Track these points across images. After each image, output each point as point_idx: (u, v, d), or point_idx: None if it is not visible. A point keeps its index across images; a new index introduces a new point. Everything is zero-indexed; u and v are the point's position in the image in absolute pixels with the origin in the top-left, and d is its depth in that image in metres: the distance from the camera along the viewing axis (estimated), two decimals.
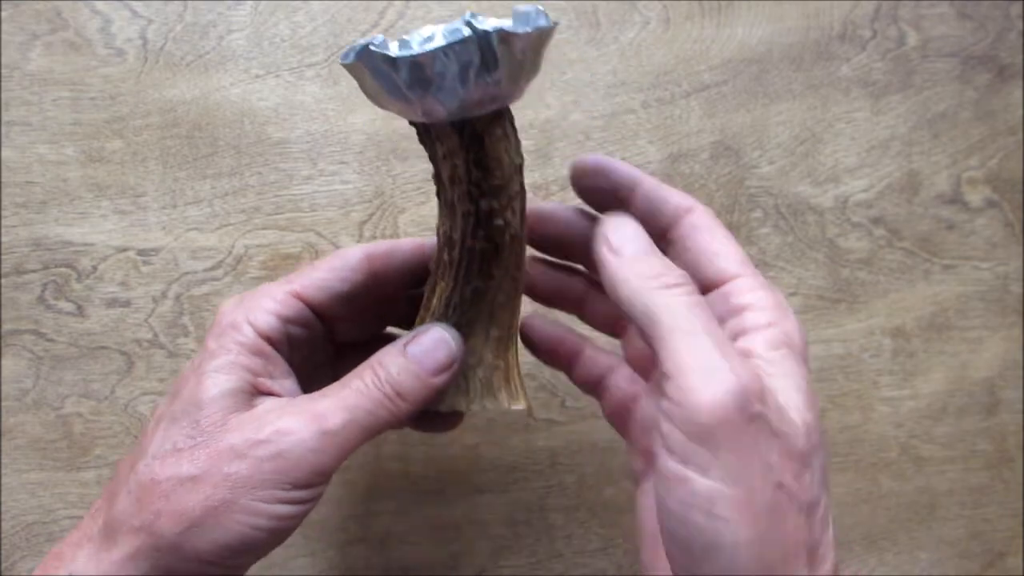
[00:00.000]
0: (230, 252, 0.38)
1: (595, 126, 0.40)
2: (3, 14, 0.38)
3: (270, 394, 0.26)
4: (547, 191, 0.39)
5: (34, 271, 0.38)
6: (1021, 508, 0.41)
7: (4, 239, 0.38)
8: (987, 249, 0.42)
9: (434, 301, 0.28)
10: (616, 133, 0.40)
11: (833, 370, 0.41)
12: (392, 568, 0.39)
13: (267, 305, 0.27)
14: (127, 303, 0.38)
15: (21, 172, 0.38)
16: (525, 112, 0.39)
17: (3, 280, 0.37)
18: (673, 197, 0.27)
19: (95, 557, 0.24)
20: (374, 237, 0.38)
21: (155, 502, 0.24)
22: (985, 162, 0.42)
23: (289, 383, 0.28)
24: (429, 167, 0.27)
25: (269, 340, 0.27)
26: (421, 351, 0.27)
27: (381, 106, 0.25)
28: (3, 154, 0.38)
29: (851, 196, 0.41)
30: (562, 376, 0.39)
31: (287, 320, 0.28)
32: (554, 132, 0.39)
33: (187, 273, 0.38)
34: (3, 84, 0.38)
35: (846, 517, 0.40)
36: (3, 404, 0.37)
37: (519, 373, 0.29)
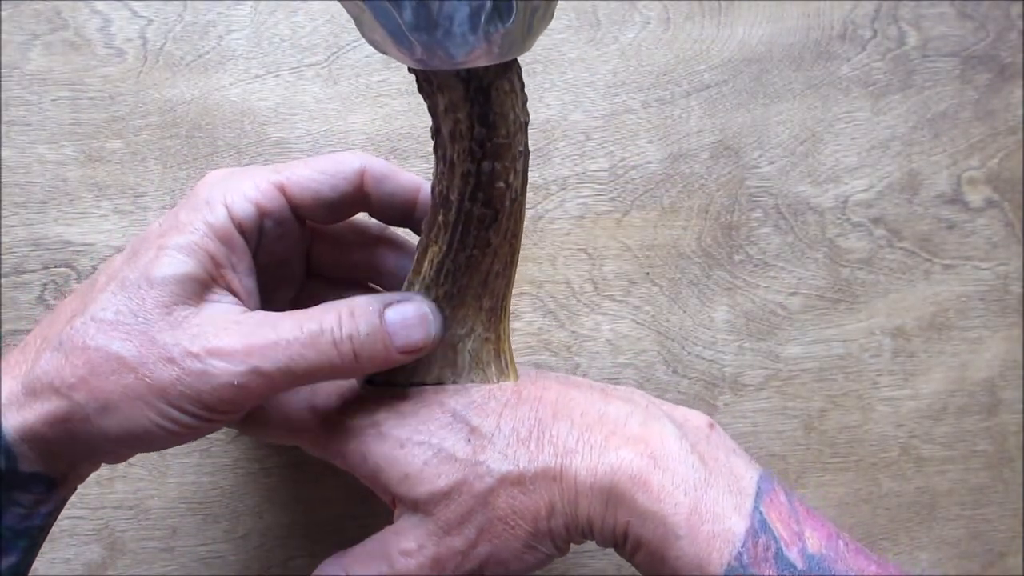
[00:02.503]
0: None
1: (595, 126, 0.40)
2: (3, 14, 0.38)
3: (227, 289, 0.26)
4: (547, 191, 0.39)
5: (34, 271, 0.38)
6: (1021, 508, 0.41)
7: (4, 239, 0.38)
8: (987, 249, 0.42)
9: (425, 264, 0.27)
10: (616, 133, 0.40)
11: (833, 370, 0.41)
12: None
13: (248, 190, 0.26)
14: None
15: (21, 172, 0.38)
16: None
17: (3, 280, 0.37)
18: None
19: (18, 407, 0.24)
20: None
21: (79, 368, 0.24)
22: (985, 162, 0.42)
23: (249, 282, 0.26)
24: (429, 167, 0.27)
25: (241, 228, 0.26)
26: (399, 321, 0.25)
27: (379, 49, 0.23)
28: (3, 154, 0.38)
29: (851, 196, 0.41)
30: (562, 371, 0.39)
31: (265, 212, 0.26)
32: (554, 132, 0.39)
33: None
34: (3, 84, 0.38)
35: (846, 517, 0.40)
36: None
37: (510, 347, 0.28)
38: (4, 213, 0.38)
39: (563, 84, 0.40)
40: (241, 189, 0.26)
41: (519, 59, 0.24)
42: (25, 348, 0.25)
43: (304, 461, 0.38)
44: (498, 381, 0.28)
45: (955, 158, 0.42)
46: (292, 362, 0.24)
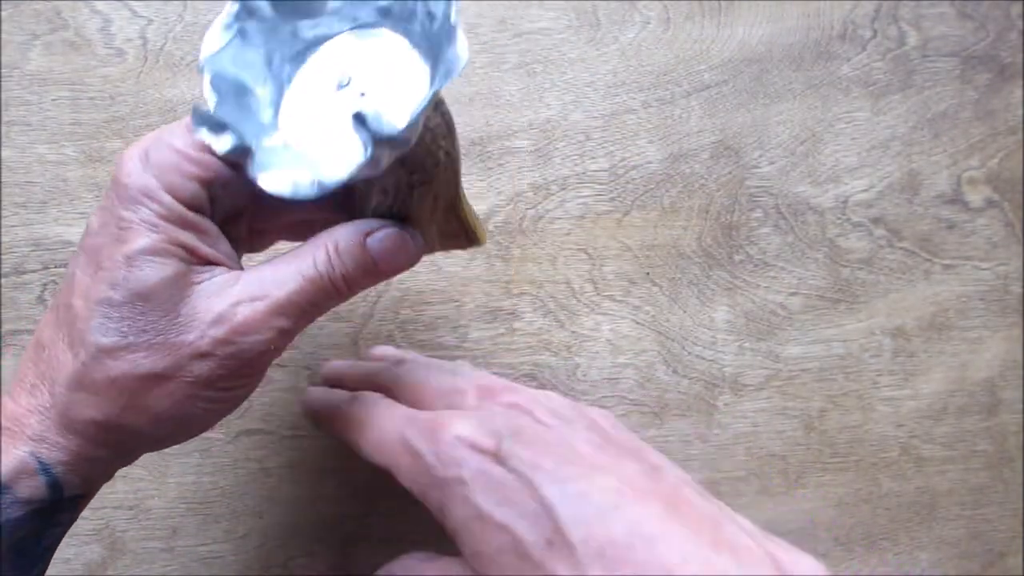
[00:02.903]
0: None
1: (595, 126, 0.40)
2: (3, 14, 0.38)
3: (209, 262, 0.26)
4: (547, 191, 0.39)
5: (34, 271, 0.38)
6: (1021, 508, 0.41)
7: (4, 239, 0.38)
8: (987, 249, 0.42)
9: (369, 211, 0.27)
10: (616, 133, 0.40)
11: (833, 370, 0.41)
12: None
13: (184, 168, 0.25)
14: None
15: (21, 172, 0.38)
16: (525, 112, 0.39)
17: (3, 280, 0.37)
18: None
19: (58, 446, 0.25)
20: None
21: (117, 400, 0.24)
22: (985, 162, 0.42)
23: (223, 245, 0.26)
24: None
25: (193, 207, 0.25)
26: (381, 248, 0.26)
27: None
28: (3, 154, 0.38)
29: (851, 196, 0.41)
30: (561, 376, 0.39)
31: (208, 182, 0.25)
32: (554, 132, 0.39)
33: None
34: (3, 84, 0.38)
35: (846, 517, 0.40)
36: None
37: (472, 214, 0.29)
38: (4, 213, 0.38)
39: (563, 84, 0.40)
40: (177, 169, 0.25)
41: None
42: (34, 390, 0.25)
43: (304, 461, 0.38)
44: (467, 248, 0.30)
45: (955, 158, 0.42)
46: (304, 310, 0.26)
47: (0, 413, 0.25)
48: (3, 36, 0.38)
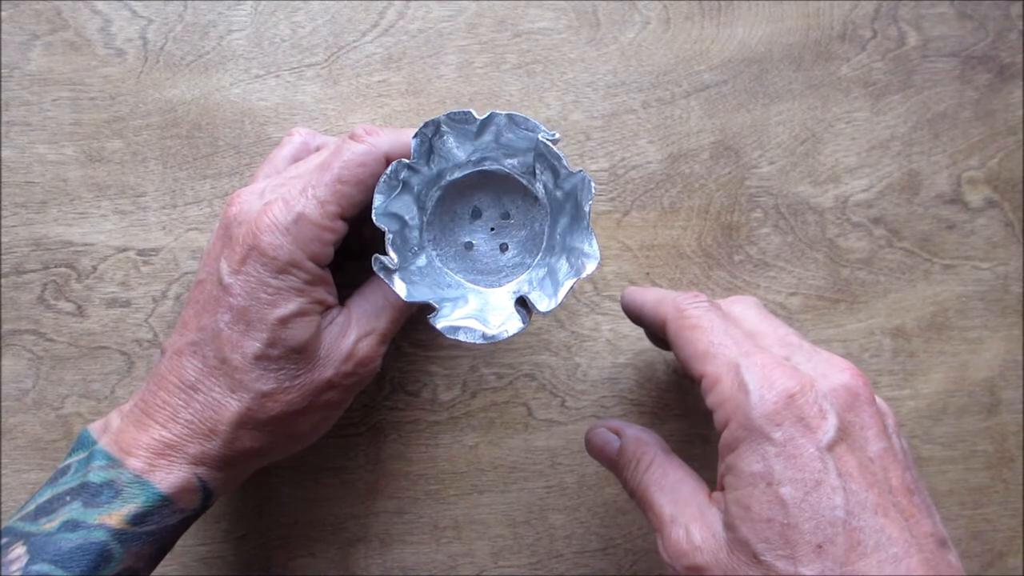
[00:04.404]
0: None
1: (595, 126, 0.40)
2: (3, 14, 0.38)
3: (328, 306, 0.31)
4: None
5: (34, 271, 0.38)
6: (1021, 508, 0.41)
7: (4, 239, 0.38)
8: (987, 249, 0.42)
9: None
10: (616, 133, 0.40)
11: None
12: (392, 568, 0.39)
13: (324, 238, 0.29)
14: (127, 303, 0.38)
15: (21, 172, 0.38)
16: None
17: (3, 280, 0.37)
18: (656, 314, 0.31)
19: (217, 464, 0.30)
20: (373, 238, 0.38)
21: (273, 431, 0.30)
22: (985, 162, 0.42)
23: (333, 287, 0.31)
24: None
25: (326, 264, 0.30)
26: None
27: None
28: (3, 154, 0.38)
29: (851, 196, 0.41)
30: (562, 376, 0.39)
31: (338, 241, 0.30)
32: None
33: (187, 273, 0.38)
34: (3, 84, 0.38)
35: None
36: (3, 404, 0.37)
37: None
38: (4, 213, 0.38)
39: (563, 84, 0.40)
40: (319, 238, 0.29)
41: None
42: (190, 424, 0.29)
43: (304, 461, 0.38)
44: None
45: (955, 158, 0.42)
46: (397, 327, 0.32)
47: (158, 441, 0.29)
48: (3, 36, 0.38)
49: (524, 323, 0.28)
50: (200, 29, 0.38)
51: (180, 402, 0.29)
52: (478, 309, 0.31)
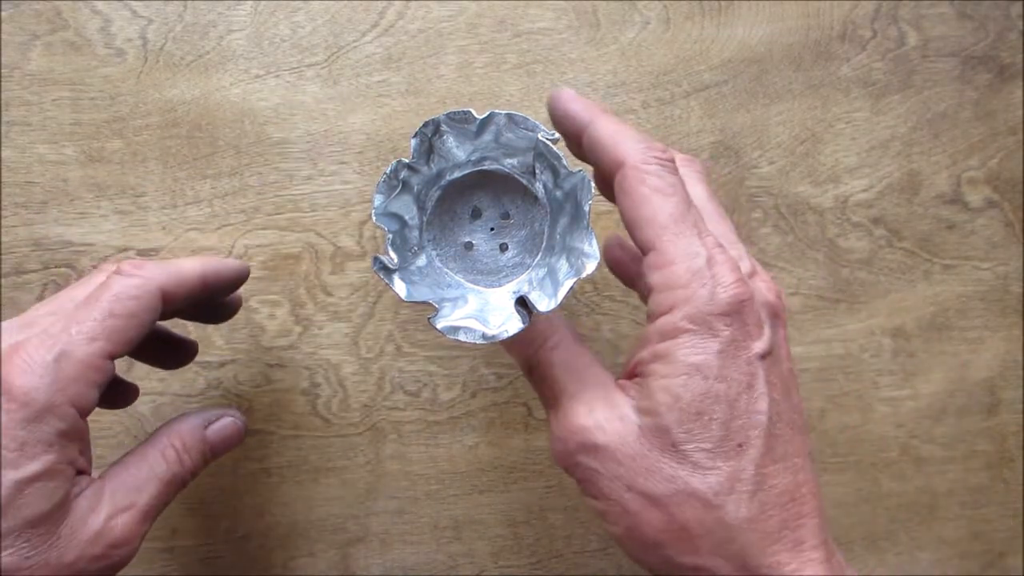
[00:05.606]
0: (230, 252, 0.38)
1: None
2: (3, 14, 0.38)
3: (80, 471, 0.26)
4: None
5: (34, 271, 0.38)
6: (1021, 508, 0.41)
7: (4, 239, 0.38)
8: (987, 249, 0.42)
9: None
10: None
11: (833, 370, 0.41)
12: (392, 568, 0.39)
13: (91, 378, 0.25)
14: None
15: (21, 172, 0.38)
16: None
17: (3, 280, 0.37)
18: (607, 151, 0.28)
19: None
20: (374, 237, 0.39)
21: None
22: (985, 162, 0.42)
23: (89, 449, 0.27)
24: None
25: (87, 413, 0.26)
26: (220, 437, 0.30)
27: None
28: (3, 154, 0.38)
29: (851, 196, 0.41)
30: None
31: (105, 384, 0.26)
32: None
33: None
34: (3, 84, 0.38)
35: (846, 517, 0.40)
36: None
37: None
38: (4, 213, 0.38)
39: (563, 84, 0.40)
40: (84, 378, 0.25)
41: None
42: None
43: (304, 461, 0.38)
44: None
45: (955, 158, 0.42)
46: (161, 509, 0.28)
47: None
48: (3, 36, 0.38)
49: (524, 323, 0.28)
50: (200, 29, 0.38)
51: None
52: (478, 309, 0.31)
